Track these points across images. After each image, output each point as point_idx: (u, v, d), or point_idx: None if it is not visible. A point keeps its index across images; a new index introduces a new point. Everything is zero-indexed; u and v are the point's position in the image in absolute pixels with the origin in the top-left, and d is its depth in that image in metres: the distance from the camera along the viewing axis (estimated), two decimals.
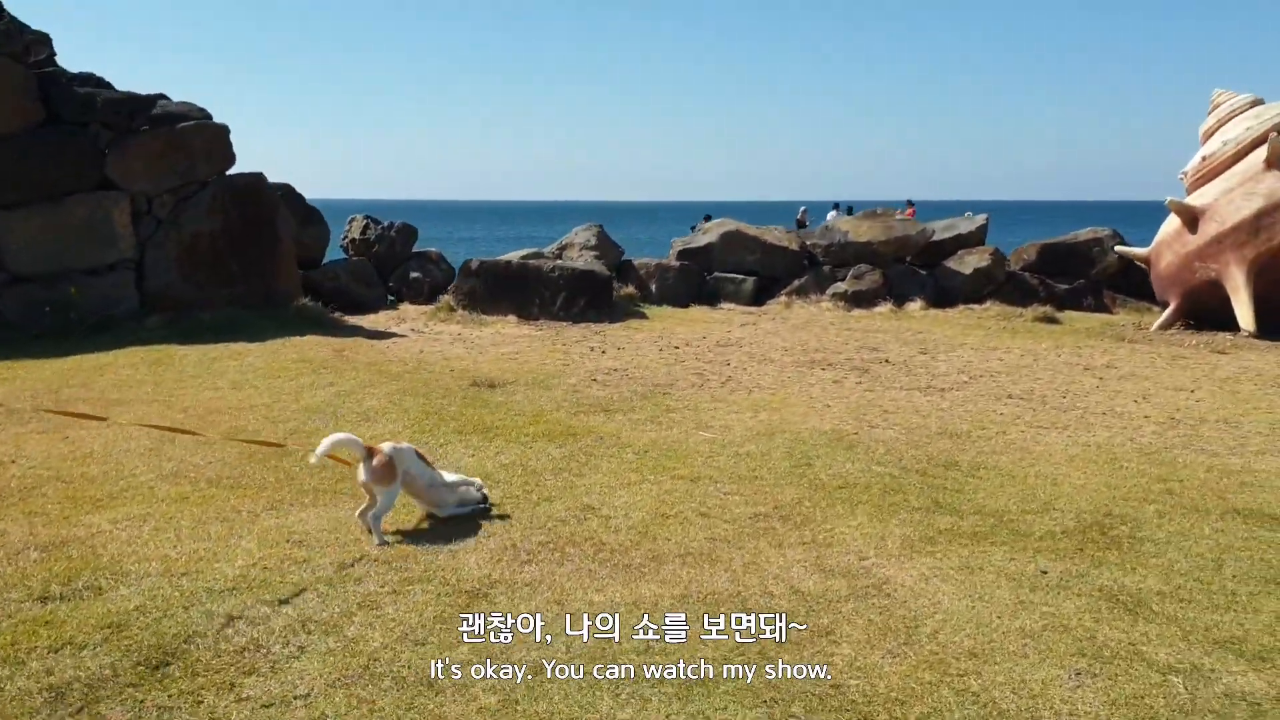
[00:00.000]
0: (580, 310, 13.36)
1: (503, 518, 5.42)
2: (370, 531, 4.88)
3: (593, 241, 16.79)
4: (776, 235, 17.86)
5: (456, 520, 5.33)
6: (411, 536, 5.10)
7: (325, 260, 14.91)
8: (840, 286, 17.04)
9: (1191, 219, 14.39)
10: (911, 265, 18.89)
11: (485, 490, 5.51)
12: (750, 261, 17.59)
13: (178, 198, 12.01)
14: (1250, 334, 13.55)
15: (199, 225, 11.91)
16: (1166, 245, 14.89)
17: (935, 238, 18.62)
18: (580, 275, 13.56)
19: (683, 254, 17.69)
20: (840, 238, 17.78)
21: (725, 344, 12.08)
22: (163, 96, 13.97)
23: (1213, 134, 15.05)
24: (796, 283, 17.35)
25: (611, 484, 6.09)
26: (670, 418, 8.02)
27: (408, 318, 13.45)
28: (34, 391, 8.45)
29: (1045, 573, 4.87)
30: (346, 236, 15.57)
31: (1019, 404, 8.96)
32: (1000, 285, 17.95)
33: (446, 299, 13.43)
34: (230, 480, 5.96)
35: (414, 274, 14.80)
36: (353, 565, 4.65)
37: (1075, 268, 18.31)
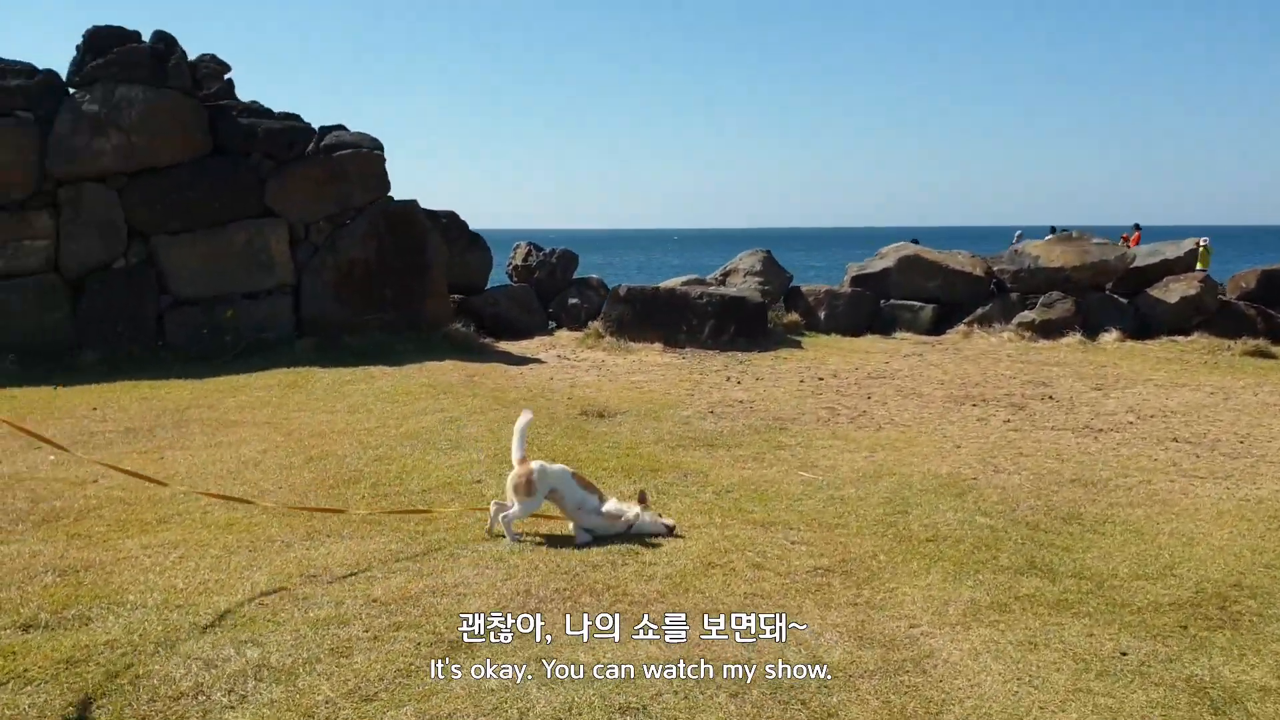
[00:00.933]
0: (730, 338, 12.94)
1: (536, 557, 5.11)
2: (505, 531, 5.35)
3: (758, 267, 16.32)
4: (960, 260, 16.87)
5: (491, 560, 5.07)
6: (433, 574, 4.86)
7: (489, 286, 15.10)
8: (1028, 315, 15.90)
9: None
10: (1112, 293, 17.49)
11: (668, 522, 5.60)
12: (930, 288, 16.68)
13: (335, 225, 12.39)
14: None
15: (354, 252, 12.25)
16: None
17: (1138, 263, 17.16)
18: (729, 302, 13.14)
19: (856, 280, 16.97)
20: (1030, 263, 16.61)
21: (877, 376, 11.40)
22: (340, 127, 14.54)
23: None
24: (980, 311, 16.30)
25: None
26: (777, 455, 7.52)
27: (559, 344, 13.40)
28: (164, 410, 8.80)
29: (1125, 654, 4.14)
30: (511, 263, 15.73)
31: (1183, 449, 7.95)
32: (1211, 316, 16.32)
33: (595, 326, 13.31)
34: (284, 507, 5.91)
35: (572, 300, 14.77)
36: (349, 604, 4.45)
37: None
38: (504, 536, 5.35)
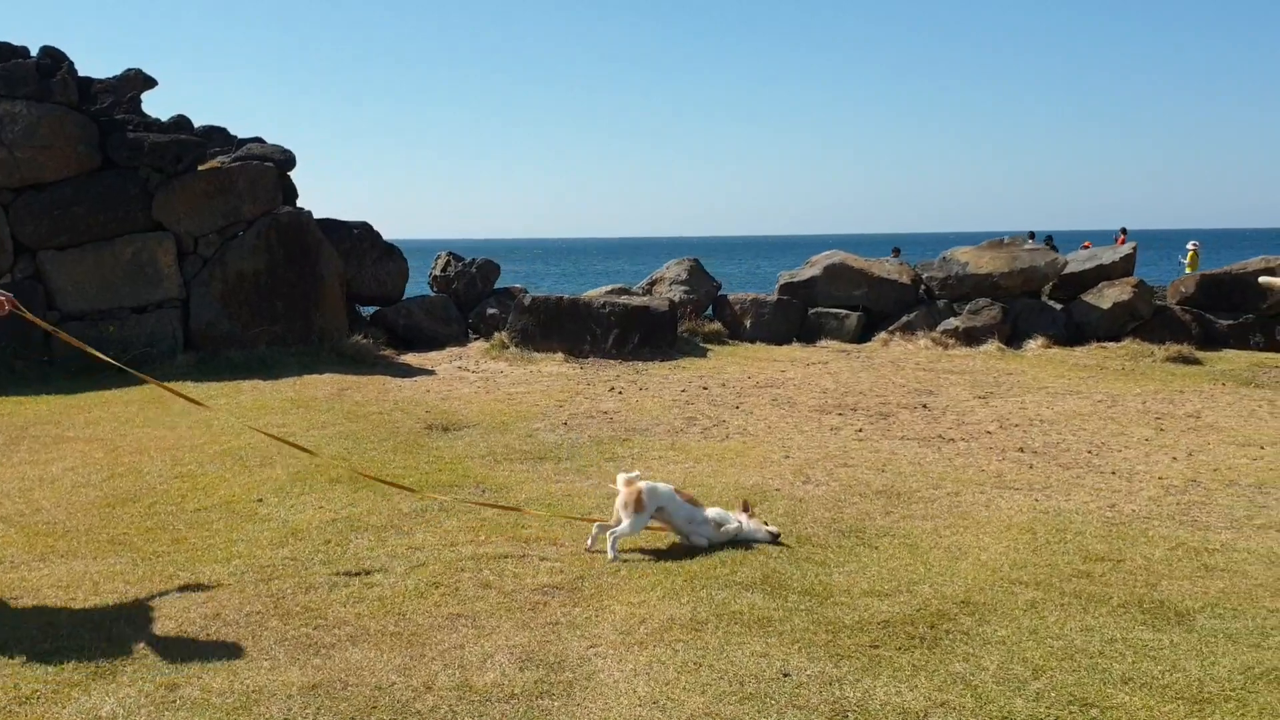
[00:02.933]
0: (634, 348, 12.82)
1: (250, 579, 5.03)
2: (609, 548, 5.42)
3: (684, 276, 16.21)
4: (888, 268, 16.72)
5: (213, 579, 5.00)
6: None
7: (407, 297, 15.04)
8: (952, 322, 15.72)
9: None
10: (1052, 299, 17.31)
11: (772, 529, 5.76)
12: (858, 296, 16.52)
13: (225, 237, 12.34)
14: None
15: (243, 264, 12.19)
16: None
17: (1073, 269, 16.98)
18: (633, 312, 13.02)
19: (785, 288, 16.82)
20: (959, 270, 16.45)
21: (765, 385, 11.26)
22: (258, 139, 14.52)
23: None
24: (906, 318, 16.14)
25: (396, 547, 5.58)
26: (601, 467, 7.41)
27: (466, 355, 13.30)
28: (6, 427, 8.75)
29: (787, 675, 4.02)
30: (431, 274, 15.67)
31: (1022, 459, 7.81)
32: (1145, 321, 16.12)
33: (500, 336, 13.22)
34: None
35: (491, 310, 14.66)
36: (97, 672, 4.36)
37: (1242, 301, 16.20)
38: (604, 553, 5.42)
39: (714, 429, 8.86)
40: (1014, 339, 15.54)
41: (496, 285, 15.70)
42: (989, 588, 5.01)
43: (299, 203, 13.19)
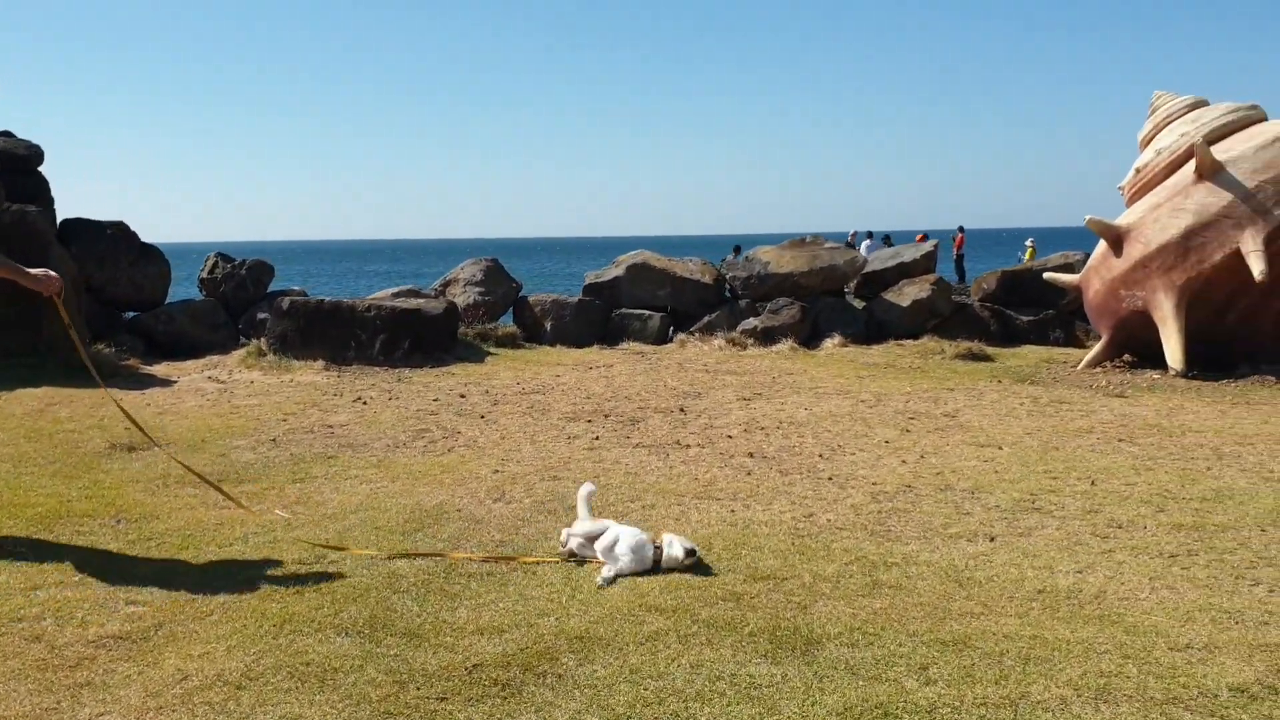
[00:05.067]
0: (404, 354, 12.11)
1: None
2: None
3: (479, 277, 15.57)
4: (690, 268, 16.37)
5: None
6: None
7: (177, 300, 14.03)
8: (752, 322, 15.45)
9: (1115, 240, 12.49)
10: (857, 297, 17.23)
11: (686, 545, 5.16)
12: (661, 296, 16.15)
13: None
14: (1178, 372, 11.58)
15: None
16: (1094, 271, 12.99)
17: (875, 267, 16.94)
18: (403, 315, 12.31)
19: (589, 289, 16.34)
20: (760, 269, 16.21)
21: (529, 392, 10.70)
22: (7, 133, 13.39)
23: (1150, 142, 13.10)
24: (707, 318, 15.83)
25: None
26: (283, 491, 6.72)
27: (224, 364, 12.39)
28: None
29: None
30: (200, 276, 14.69)
31: (744, 465, 7.41)
32: (946, 319, 16.13)
33: (257, 343, 12.35)
34: None
35: (261, 315, 13.77)
36: None
37: (1043, 297, 16.30)
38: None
39: (441, 442, 8.24)
40: (814, 338, 15.36)
41: (274, 288, 14.80)
42: (621, 617, 4.51)
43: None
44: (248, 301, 14.26)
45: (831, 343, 14.89)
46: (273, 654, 4.13)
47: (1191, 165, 11.90)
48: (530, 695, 3.79)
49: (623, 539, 5.11)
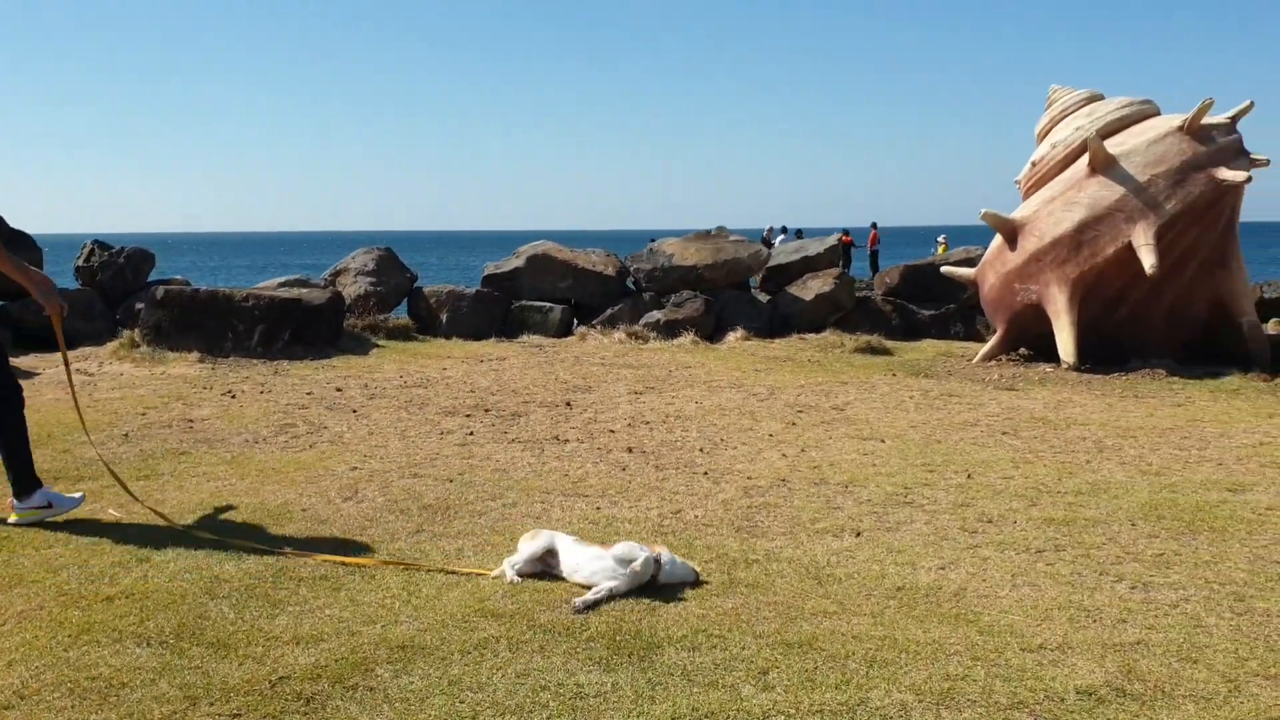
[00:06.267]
0: (285, 345, 11.63)
1: None
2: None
3: (371, 266, 15.10)
4: (593, 259, 16.08)
5: None
6: None
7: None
8: (655, 315, 15.23)
9: (1010, 234, 12.48)
10: (763, 291, 17.10)
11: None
12: (563, 288, 15.84)
13: None
14: (1070, 366, 11.59)
15: None
16: (990, 265, 12.98)
17: (780, 261, 16.83)
18: (282, 305, 11.83)
19: (488, 280, 15.97)
20: (664, 261, 15.99)
21: (412, 385, 10.32)
22: None
23: (1046, 135, 13.13)
24: (610, 311, 15.55)
25: None
26: (119, 491, 6.24)
27: (96, 356, 11.80)
28: None
29: None
30: (75, 264, 14.01)
31: (620, 461, 7.15)
32: (848, 313, 16.08)
33: (130, 334, 11.78)
34: None
35: (139, 305, 13.15)
36: None
37: (945, 292, 16.30)
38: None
39: (304, 437, 7.84)
40: (718, 331, 15.19)
41: (159, 278, 14.19)
42: (453, 624, 4.21)
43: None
44: (126, 291, 13.63)
45: (734, 336, 14.72)
46: (57, 668, 3.75)
47: (1085, 159, 11.93)
48: (335, 710, 3.48)
49: (618, 552, 4.63)
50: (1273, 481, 6.59)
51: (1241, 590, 4.63)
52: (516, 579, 4.70)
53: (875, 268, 34.49)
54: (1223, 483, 6.56)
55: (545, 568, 4.79)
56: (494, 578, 4.73)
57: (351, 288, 14.59)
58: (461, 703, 3.55)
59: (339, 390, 9.89)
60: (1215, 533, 5.47)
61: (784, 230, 37.18)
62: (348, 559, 4.97)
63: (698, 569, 4.79)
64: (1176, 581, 4.74)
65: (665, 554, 4.69)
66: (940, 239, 35.15)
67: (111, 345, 11.88)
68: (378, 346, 12.92)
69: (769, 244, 27.76)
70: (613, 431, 8.15)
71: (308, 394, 9.65)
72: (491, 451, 7.36)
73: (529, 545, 4.83)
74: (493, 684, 3.69)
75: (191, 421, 8.34)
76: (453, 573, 4.81)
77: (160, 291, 11.88)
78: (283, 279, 14.36)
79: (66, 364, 6.52)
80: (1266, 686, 3.68)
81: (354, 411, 8.83)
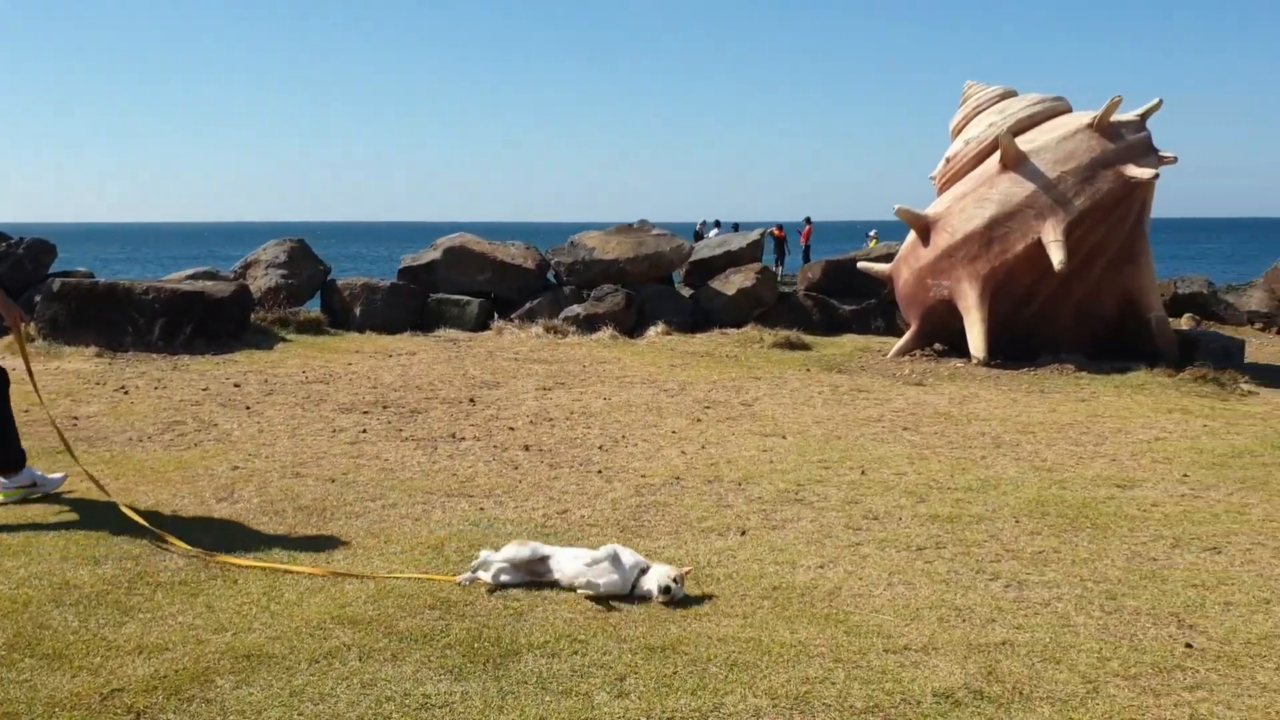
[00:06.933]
0: (187, 340, 11.31)
1: None
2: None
3: (282, 258, 14.76)
4: (512, 251, 15.88)
5: None
6: None
7: None
8: (575, 309, 15.07)
9: (924, 229, 12.52)
10: (684, 285, 17.02)
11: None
12: (481, 281, 15.61)
13: None
14: (980, 361, 11.66)
15: None
16: (904, 260, 13.02)
17: (703, 255, 16.77)
18: (184, 298, 11.51)
19: (404, 272, 15.70)
20: (586, 255, 15.84)
21: (314, 381, 10.08)
22: None
23: (960, 131, 13.20)
24: (529, 305, 15.36)
25: None
26: None
27: None
28: None
29: None
30: None
31: (514, 459, 7.03)
32: (770, 308, 16.04)
33: (25, 328, 11.34)
34: None
35: (38, 298, 12.71)
36: None
37: (867, 287, 16.32)
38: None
39: (191, 436, 7.60)
40: (640, 326, 15.07)
41: (62, 269, 13.75)
42: (306, 632, 4.05)
43: None
44: (26, 283, 13.16)
45: (655, 331, 14.62)
46: None
47: (997, 156, 11.99)
48: None
49: (620, 556, 4.47)
50: (1162, 478, 6.64)
51: (1114, 588, 4.62)
52: (465, 580, 4.54)
53: (808, 262, 34.61)
54: (1113, 479, 6.59)
55: (532, 576, 4.59)
56: (459, 583, 4.55)
57: (262, 280, 14.26)
58: (300, 714, 3.41)
59: (237, 386, 9.63)
60: (1097, 529, 5.48)
61: (717, 224, 37.18)
62: (210, 555, 4.79)
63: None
64: (1051, 580, 4.73)
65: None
66: (871, 234, 35.42)
67: (5, 340, 11.45)
68: (285, 341, 12.63)
69: (701, 238, 27.70)
70: (512, 429, 8.00)
71: (203, 390, 9.37)
72: (382, 450, 7.18)
73: (517, 549, 4.59)
74: (336, 695, 3.55)
75: (76, 419, 8.06)
76: (321, 575, 4.65)
77: (56, 284, 11.50)
78: (190, 271, 13.97)
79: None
80: (1124, 687, 3.65)
81: (248, 408, 8.59)
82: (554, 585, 4.52)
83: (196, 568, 4.74)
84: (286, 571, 4.70)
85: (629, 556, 4.49)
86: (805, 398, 9.57)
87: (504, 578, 4.54)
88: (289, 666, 3.75)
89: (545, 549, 4.63)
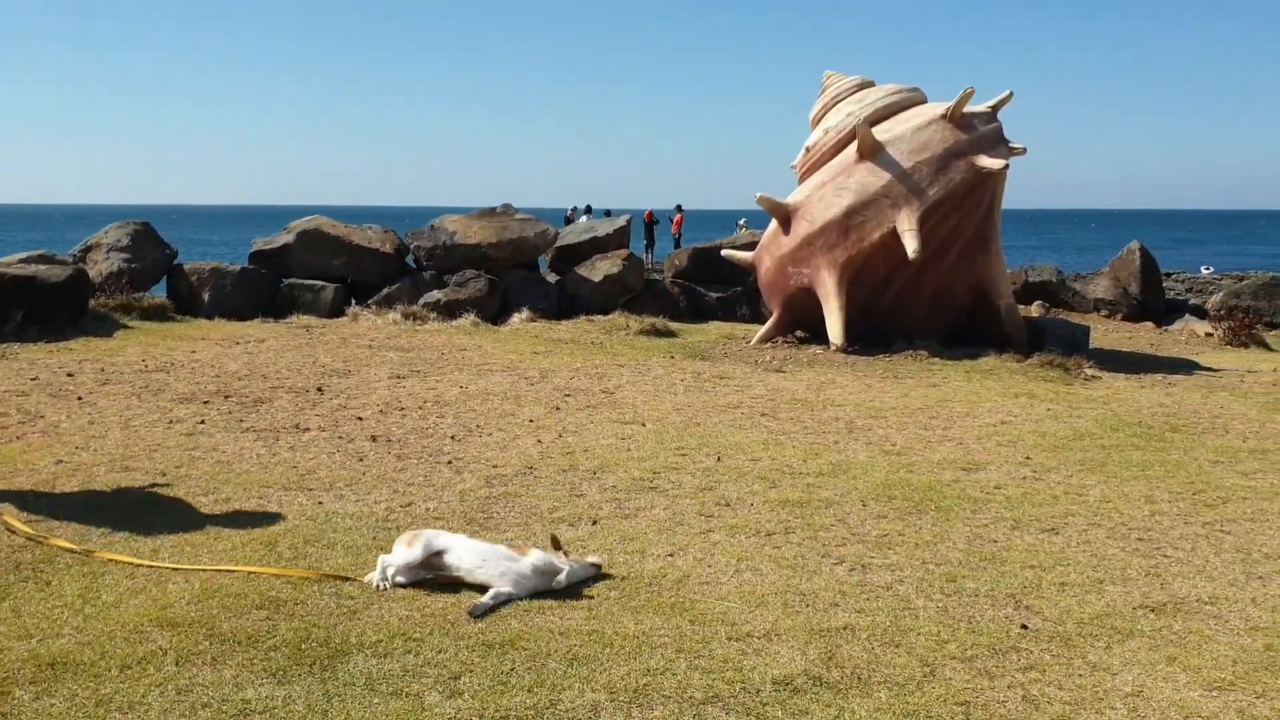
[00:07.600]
0: (18, 327, 10.64)
1: None
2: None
3: (125, 242, 14.07)
4: (369, 236, 15.48)
5: None
6: None
7: None
8: (435, 295, 14.76)
9: (785, 218, 12.63)
10: (550, 271, 16.85)
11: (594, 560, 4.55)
12: (336, 266, 15.17)
13: None
14: (839, 348, 11.82)
15: None
16: (766, 249, 13.13)
17: (569, 241, 16.63)
18: (11, 283, 10.84)
19: (255, 257, 15.14)
20: (447, 239, 15.53)
21: (154, 370, 9.60)
22: None
23: (820, 121, 13.34)
24: (387, 290, 14.98)
25: None
26: None
27: None
28: None
29: None
30: None
31: (359, 450, 6.79)
32: (637, 295, 16.02)
33: None
34: None
35: None
36: None
37: (733, 275, 16.41)
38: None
39: (15, 428, 7.13)
40: (504, 312, 14.86)
41: None
42: (121, 637, 3.79)
43: None
44: None
45: (519, 317, 14.43)
46: None
47: (855, 145, 12.16)
48: None
49: (537, 563, 4.27)
50: (1006, 460, 6.80)
51: (955, 570, 4.68)
52: (386, 587, 4.28)
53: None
54: (959, 462, 6.72)
55: (431, 571, 4.36)
56: (366, 583, 4.32)
57: (103, 264, 13.56)
58: None
59: (70, 375, 9.10)
60: (941, 512, 5.57)
61: (588, 210, 36.98)
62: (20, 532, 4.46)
63: (599, 561, 4.53)
64: (895, 563, 4.76)
65: (568, 562, 4.38)
66: (741, 222, 35.69)
67: None
68: (126, 328, 12.01)
69: (571, 224, 27.50)
70: (360, 419, 7.74)
71: (32, 379, 8.82)
72: (220, 442, 6.85)
73: (406, 552, 4.33)
74: (146, 703, 3.32)
75: None
76: (142, 566, 4.37)
77: None
78: (23, 255, 13.17)
79: None
80: (961, 670, 3.68)
81: (79, 399, 8.11)
82: (459, 582, 4.32)
83: (6, 569, 4.40)
84: (98, 556, 4.40)
85: (546, 563, 4.32)
86: (667, 385, 9.53)
87: (400, 579, 4.33)
88: (97, 674, 3.50)
89: (440, 542, 4.40)
